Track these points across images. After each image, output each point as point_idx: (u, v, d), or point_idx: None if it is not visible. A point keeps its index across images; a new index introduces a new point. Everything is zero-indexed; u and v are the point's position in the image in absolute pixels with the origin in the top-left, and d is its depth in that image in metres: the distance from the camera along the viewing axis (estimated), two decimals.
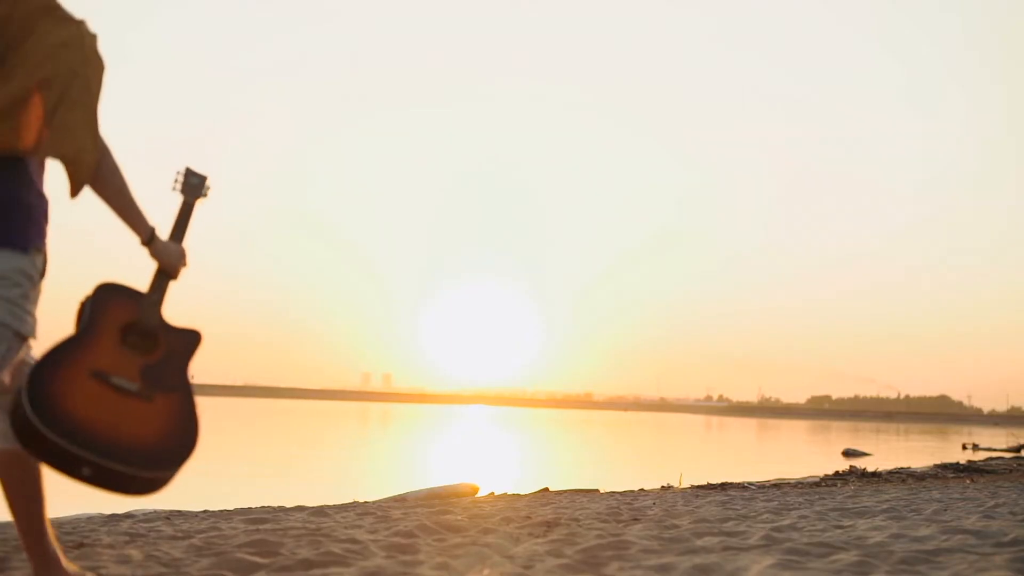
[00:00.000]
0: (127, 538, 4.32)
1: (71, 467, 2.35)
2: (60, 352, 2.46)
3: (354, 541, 3.90)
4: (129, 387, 2.49)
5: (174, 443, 2.47)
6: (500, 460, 22.54)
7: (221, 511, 6.04)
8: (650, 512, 5.81)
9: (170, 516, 5.76)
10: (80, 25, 2.48)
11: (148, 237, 2.65)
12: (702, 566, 3.18)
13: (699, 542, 3.90)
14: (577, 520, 5.10)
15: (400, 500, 7.89)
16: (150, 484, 2.43)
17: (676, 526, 4.67)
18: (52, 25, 2.43)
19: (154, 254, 2.67)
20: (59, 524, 5.20)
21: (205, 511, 6.05)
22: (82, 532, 4.53)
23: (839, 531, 4.36)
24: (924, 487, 10.38)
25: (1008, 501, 6.89)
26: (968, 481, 12.38)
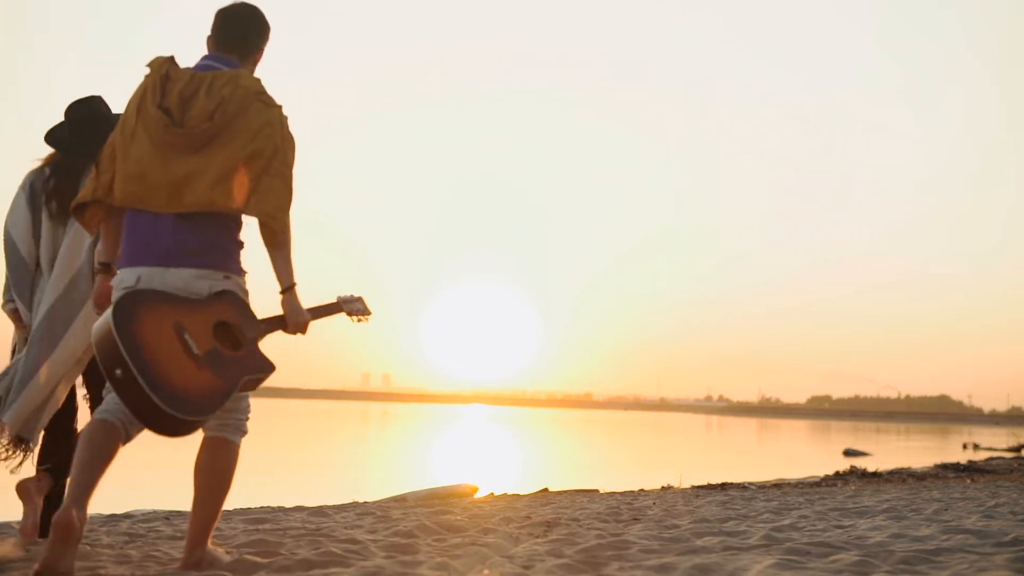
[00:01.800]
0: (126, 538, 4.31)
1: (111, 363, 2.77)
2: (167, 297, 2.91)
3: (354, 541, 3.89)
4: (192, 348, 2.88)
5: (192, 402, 2.81)
6: (500, 460, 22.53)
7: (165, 513, 6.03)
8: (650, 512, 5.81)
9: (169, 516, 5.76)
10: (279, 109, 3.09)
11: (288, 287, 3.12)
12: (702, 566, 3.18)
13: (699, 542, 3.89)
14: (577, 520, 5.10)
15: (400, 500, 7.89)
16: (152, 412, 2.78)
17: (676, 526, 4.67)
18: (261, 107, 3.03)
19: (284, 303, 3.14)
20: None
21: None
22: None
23: (839, 531, 4.36)
24: (924, 487, 10.37)
25: (1008, 501, 6.88)
26: (968, 481, 12.37)
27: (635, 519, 5.22)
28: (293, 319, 3.14)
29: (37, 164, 3.81)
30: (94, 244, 3.60)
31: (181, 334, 2.88)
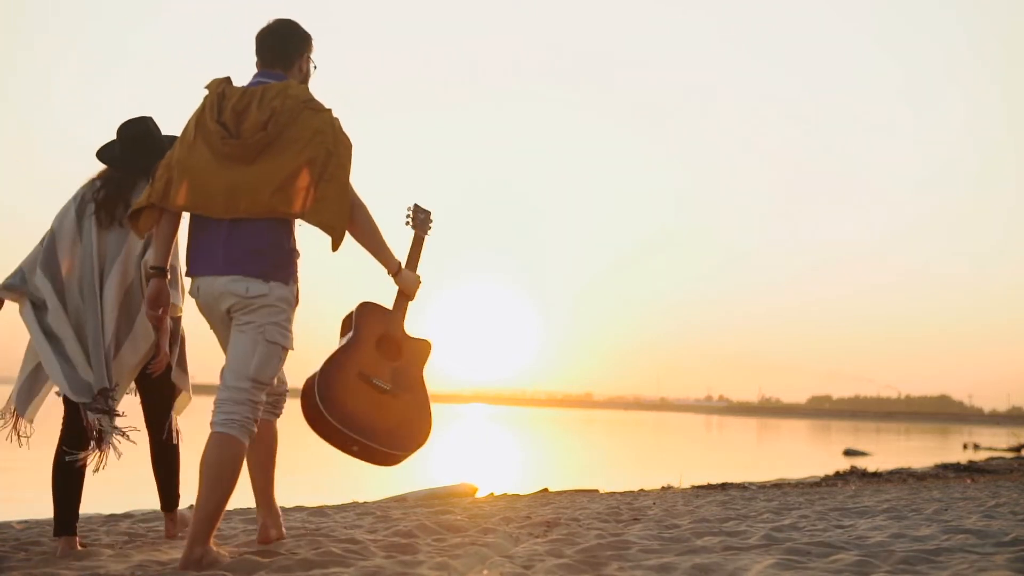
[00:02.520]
0: (126, 538, 4.31)
1: (345, 445, 3.26)
2: (338, 356, 3.29)
3: (353, 541, 3.89)
4: (383, 386, 3.31)
5: (415, 430, 3.30)
6: (500, 460, 22.53)
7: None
8: (650, 512, 5.81)
9: None
10: (329, 113, 3.25)
11: (396, 270, 3.43)
12: (702, 566, 3.18)
13: (699, 542, 3.89)
14: (577, 520, 5.10)
15: (399, 500, 7.88)
16: (396, 460, 3.30)
17: (676, 526, 4.67)
18: (311, 115, 3.20)
19: (399, 282, 3.45)
20: None
21: None
22: (81, 532, 4.52)
23: (840, 531, 4.36)
24: (925, 487, 10.36)
25: (1009, 501, 6.88)
26: (969, 481, 12.37)
27: (635, 519, 5.21)
28: (412, 289, 3.48)
29: (89, 178, 3.98)
30: (142, 255, 3.81)
31: (368, 380, 3.32)
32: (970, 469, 16.19)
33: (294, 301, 3.28)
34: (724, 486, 10.88)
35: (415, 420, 3.33)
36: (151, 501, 7.57)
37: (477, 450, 25.34)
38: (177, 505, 4.19)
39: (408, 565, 3.25)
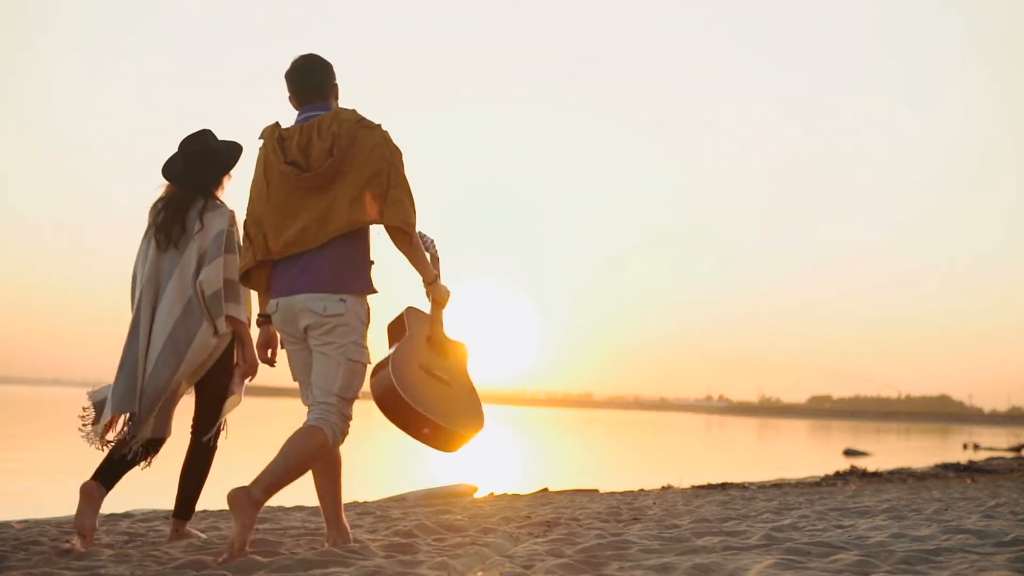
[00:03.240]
0: (126, 537, 4.31)
1: (418, 428, 3.47)
2: (403, 352, 3.55)
3: (353, 540, 3.89)
4: (444, 377, 3.59)
5: (475, 414, 3.63)
6: (500, 460, 22.54)
7: (220, 511, 6.02)
8: (650, 512, 5.81)
9: (168, 516, 5.75)
10: (380, 128, 3.57)
11: (432, 280, 3.66)
12: (702, 566, 3.18)
13: (699, 542, 3.89)
14: (577, 520, 5.10)
15: (399, 500, 7.88)
16: (460, 440, 3.55)
17: (676, 526, 4.67)
18: (366, 132, 3.52)
19: (433, 292, 3.67)
20: (58, 523, 5.20)
21: (204, 511, 6.03)
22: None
23: (840, 531, 4.36)
24: (925, 487, 10.37)
25: (1009, 501, 6.88)
26: (969, 481, 12.37)
27: (635, 519, 5.21)
28: (444, 299, 3.70)
29: (157, 195, 4.22)
30: (196, 274, 4.05)
31: (431, 371, 3.58)
32: (970, 469, 16.20)
33: (366, 317, 3.58)
34: (724, 486, 10.88)
35: (474, 405, 3.67)
36: (150, 501, 7.59)
37: (477, 450, 25.34)
38: (190, 516, 4.21)
39: (408, 565, 3.25)
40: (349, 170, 3.49)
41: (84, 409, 4.05)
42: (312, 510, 6.08)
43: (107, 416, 3.94)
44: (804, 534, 4.17)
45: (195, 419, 4.17)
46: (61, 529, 4.70)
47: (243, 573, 3.20)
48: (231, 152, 4.21)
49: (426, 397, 3.48)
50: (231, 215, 4.12)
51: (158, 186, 4.22)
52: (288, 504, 6.97)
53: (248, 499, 3.33)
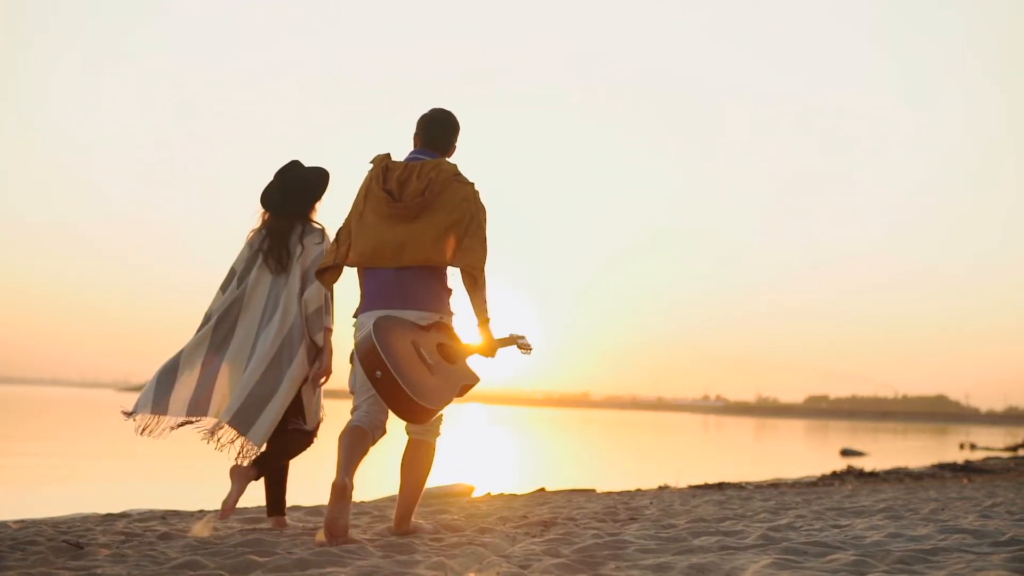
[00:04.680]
0: (122, 537, 4.30)
1: (372, 367, 3.79)
2: (405, 323, 3.94)
3: (350, 540, 3.89)
4: (428, 359, 3.91)
5: (428, 395, 3.83)
6: (497, 459, 22.53)
7: (217, 510, 6.01)
8: (647, 511, 5.81)
9: (165, 516, 5.75)
10: (472, 186, 4.14)
11: (486, 321, 4.11)
12: (699, 565, 3.18)
13: (696, 541, 3.89)
14: (574, 519, 5.10)
15: (396, 499, 7.87)
16: (405, 405, 3.82)
17: (673, 525, 4.67)
18: (458, 186, 4.09)
19: (481, 333, 4.12)
20: (55, 523, 5.19)
21: (200, 511, 6.03)
22: (77, 532, 4.52)
23: (836, 530, 4.36)
24: (921, 486, 10.38)
25: (1005, 500, 6.89)
26: (966, 480, 12.39)
27: (632, 519, 5.22)
28: (488, 346, 4.13)
29: (257, 223, 4.74)
30: (300, 294, 4.57)
31: (417, 348, 3.92)
32: (967, 469, 16.22)
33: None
34: (721, 486, 10.89)
35: (435, 392, 3.89)
36: (148, 501, 7.59)
37: (474, 449, 25.33)
38: (280, 511, 4.72)
39: (405, 564, 3.25)
40: (434, 213, 4.03)
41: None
42: (309, 510, 6.08)
43: (174, 414, 4.47)
44: (801, 534, 4.17)
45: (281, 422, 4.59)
46: (58, 529, 4.69)
47: (240, 573, 3.20)
48: (321, 180, 4.72)
49: (394, 350, 3.81)
50: (324, 234, 4.63)
51: (255, 211, 4.72)
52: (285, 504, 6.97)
53: (400, 529, 4.23)
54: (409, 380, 3.80)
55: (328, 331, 4.60)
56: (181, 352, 4.58)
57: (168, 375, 4.53)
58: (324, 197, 4.75)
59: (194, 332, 4.65)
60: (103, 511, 6.32)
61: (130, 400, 4.60)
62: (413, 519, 4.30)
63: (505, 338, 4.26)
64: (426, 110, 4.31)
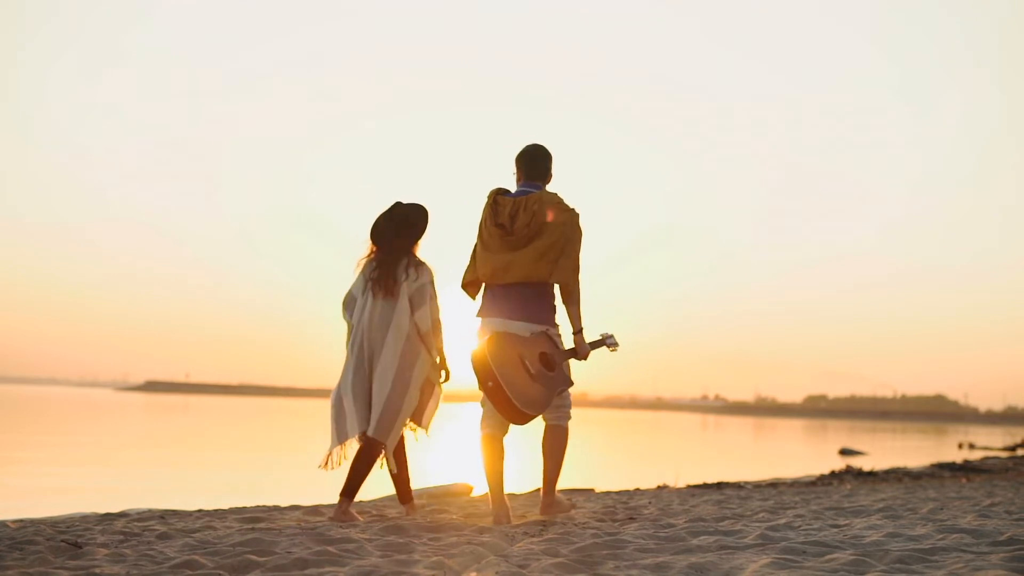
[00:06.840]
0: (121, 537, 4.30)
1: (485, 378, 4.57)
2: (513, 337, 4.68)
3: (349, 540, 3.89)
4: (530, 369, 4.62)
5: (532, 403, 4.57)
6: None
7: (216, 510, 6.01)
8: (646, 511, 5.81)
9: (164, 515, 5.74)
10: (572, 211, 4.88)
11: (579, 329, 4.89)
12: (698, 565, 3.18)
13: (695, 541, 3.89)
14: (572, 519, 5.10)
15: (395, 499, 7.87)
16: (512, 412, 4.57)
17: (672, 525, 4.67)
18: (560, 211, 4.83)
19: (576, 340, 4.89)
20: (53, 523, 5.19)
21: (199, 510, 6.03)
22: (76, 531, 4.51)
23: (835, 530, 4.36)
24: (920, 486, 10.39)
25: (1004, 500, 6.89)
26: (964, 480, 12.39)
27: (631, 518, 5.22)
28: (581, 351, 4.89)
29: (366, 253, 5.37)
30: (411, 315, 5.19)
31: (523, 360, 4.61)
32: (965, 468, 16.23)
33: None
34: (720, 485, 10.89)
35: (537, 399, 4.59)
36: (147, 500, 7.59)
37: (473, 449, 25.34)
38: (407, 499, 5.45)
39: (403, 564, 3.25)
40: (538, 238, 4.77)
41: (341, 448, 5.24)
42: (308, 509, 6.08)
43: (352, 434, 5.13)
44: (800, 533, 4.17)
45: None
46: (56, 529, 4.69)
47: (239, 572, 3.20)
48: (423, 219, 5.31)
49: (504, 364, 4.51)
50: (431, 273, 5.24)
51: (363, 241, 5.36)
52: (283, 504, 6.97)
53: (546, 503, 5.09)
54: (516, 391, 4.50)
55: (441, 344, 5.25)
56: (339, 383, 5.29)
57: (338, 407, 5.24)
58: (425, 234, 5.34)
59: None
60: (102, 511, 6.32)
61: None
62: (553, 496, 5.11)
63: (595, 340, 4.94)
64: (521, 147, 5.00)
